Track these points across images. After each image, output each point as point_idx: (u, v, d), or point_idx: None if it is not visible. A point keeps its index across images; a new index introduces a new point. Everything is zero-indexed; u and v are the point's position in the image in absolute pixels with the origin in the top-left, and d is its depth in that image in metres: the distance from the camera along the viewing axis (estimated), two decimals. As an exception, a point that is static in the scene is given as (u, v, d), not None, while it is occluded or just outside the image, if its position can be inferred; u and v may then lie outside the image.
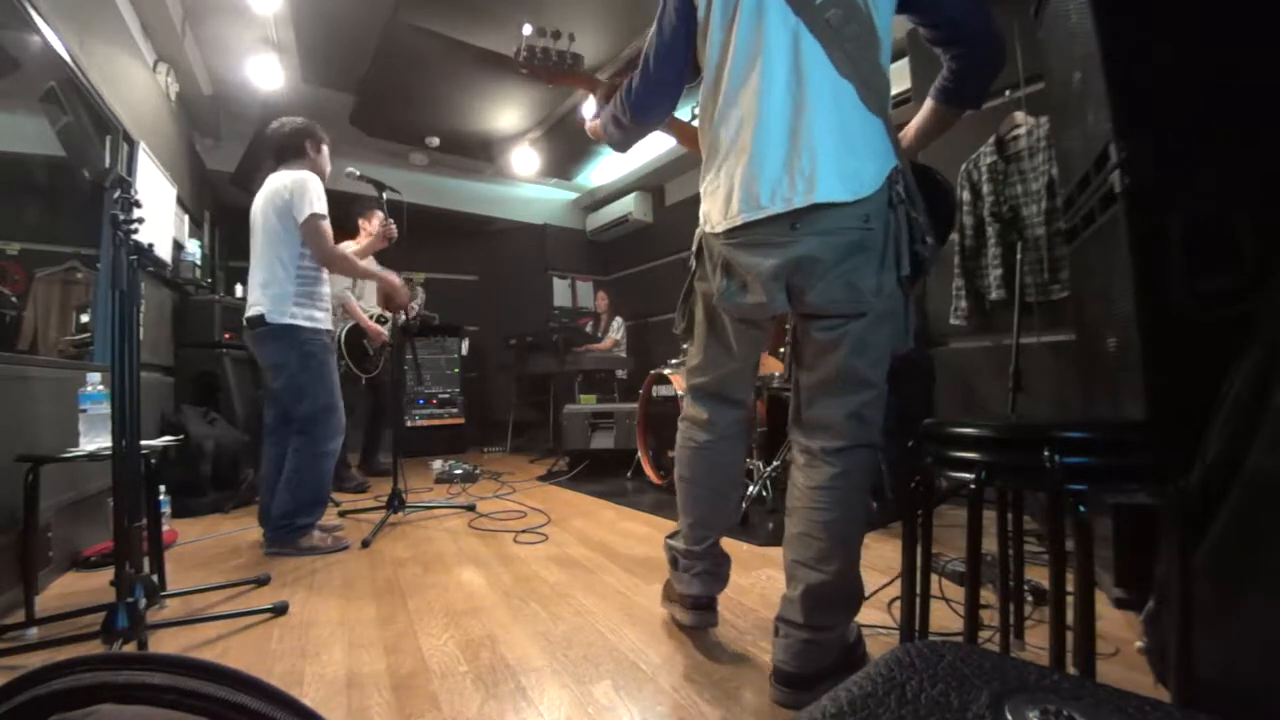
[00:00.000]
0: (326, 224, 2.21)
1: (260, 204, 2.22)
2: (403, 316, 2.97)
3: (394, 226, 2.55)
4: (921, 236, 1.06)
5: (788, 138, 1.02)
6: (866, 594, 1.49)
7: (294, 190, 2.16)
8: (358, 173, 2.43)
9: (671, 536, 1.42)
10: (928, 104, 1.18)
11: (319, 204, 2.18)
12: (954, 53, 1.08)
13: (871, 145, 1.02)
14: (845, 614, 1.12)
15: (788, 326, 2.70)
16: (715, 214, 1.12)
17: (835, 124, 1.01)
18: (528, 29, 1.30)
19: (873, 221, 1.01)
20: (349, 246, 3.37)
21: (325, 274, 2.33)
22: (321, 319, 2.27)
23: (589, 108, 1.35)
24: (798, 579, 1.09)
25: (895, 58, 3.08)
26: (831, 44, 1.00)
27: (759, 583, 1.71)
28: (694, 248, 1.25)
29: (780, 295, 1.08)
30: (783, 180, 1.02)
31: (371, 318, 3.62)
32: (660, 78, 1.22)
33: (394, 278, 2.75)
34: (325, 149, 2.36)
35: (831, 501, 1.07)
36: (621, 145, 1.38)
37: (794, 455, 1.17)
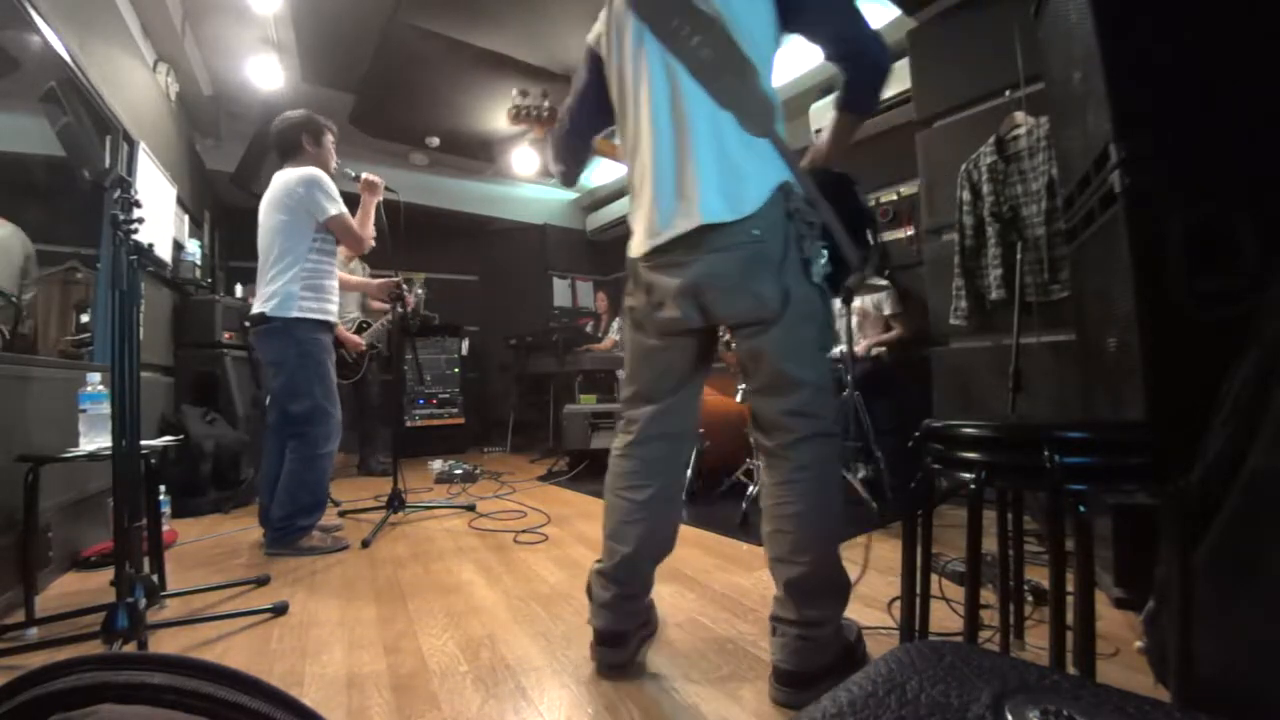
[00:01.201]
0: (348, 218, 2.25)
1: (268, 201, 2.23)
2: (399, 310, 2.97)
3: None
4: (816, 239, 1.12)
5: (675, 170, 1.14)
6: (868, 594, 1.50)
7: (308, 188, 2.17)
8: (353, 173, 2.43)
9: (596, 561, 1.31)
10: (831, 114, 1.26)
11: (338, 201, 2.22)
12: (842, 66, 1.16)
13: (755, 165, 1.10)
14: (832, 605, 1.11)
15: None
16: (635, 240, 1.23)
17: (714, 152, 1.10)
18: (515, 92, 1.50)
19: (764, 234, 1.08)
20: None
21: (334, 268, 2.34)
22: (332, 310, 2.29)
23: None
24: (779, 576, 1.13)
25: (895, 58, 3.08)
26: (708, 79, 1.10)
27: (759, 583, 1.71)
28: (627, 269, 1.31)
29: (692, 311, 1.16)
30: (675, 208, 1.13)
31: (352, 323, 3.64)
32: (574, 130, 1.40)
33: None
34: (327, 139, 2.35)
35: (795, 494, 1.11)
36: (566, 183, 1.54)
37: (759, 458, 1.21)
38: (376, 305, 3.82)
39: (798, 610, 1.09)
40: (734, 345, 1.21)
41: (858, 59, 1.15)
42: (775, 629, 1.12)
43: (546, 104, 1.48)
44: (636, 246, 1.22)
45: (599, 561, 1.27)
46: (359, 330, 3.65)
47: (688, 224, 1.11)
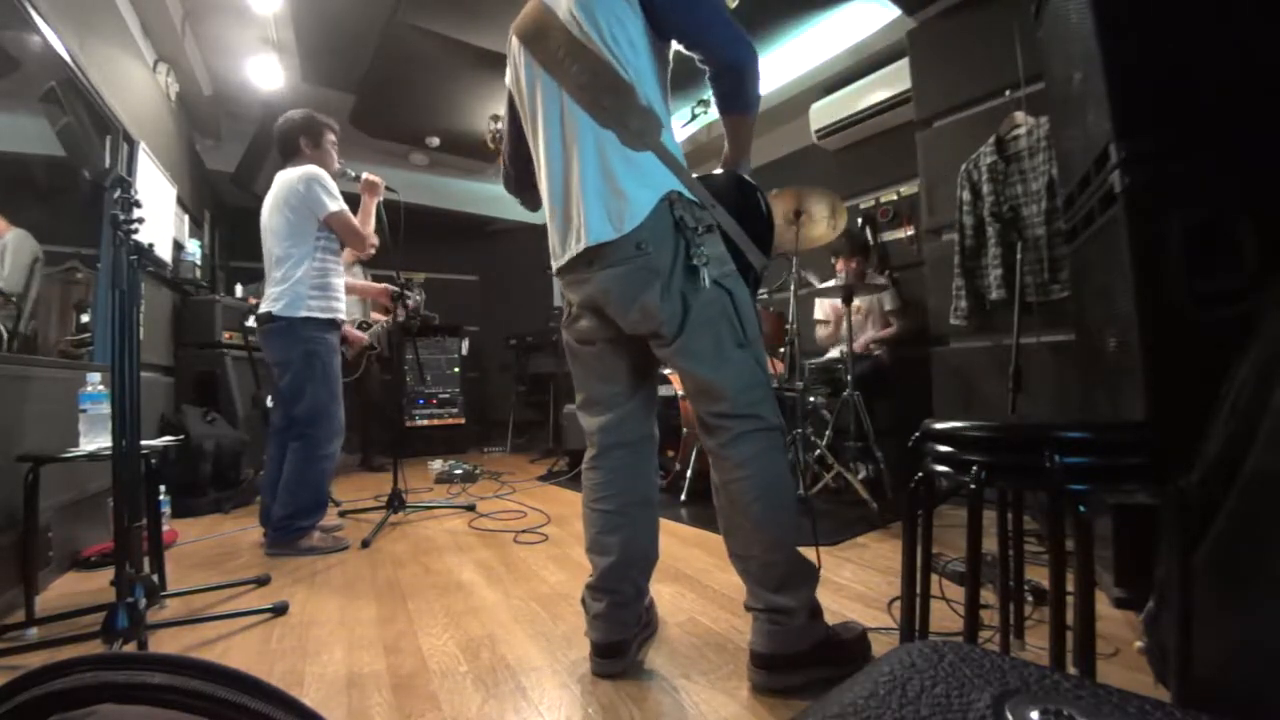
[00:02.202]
0: (349, 215, 2.25)
1: (271, 202, 2.23)
2: (400, 314, 2.98)
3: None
4: (711, 239, 1.14)
5: (564, 193, 1.19)
6: (868, 595, 1.50)
7: (307, 186, 2.17)
8: (354, 174, 2.43)
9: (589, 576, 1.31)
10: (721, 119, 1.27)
11: (337, 198, 2.22)
12: (706, 69, 1.17)
13: (638, 179, 1.12)
14: (796, 593, 1.12)
15: (787, 326, 2.72)
16: (551, 259, 1.29)
17: (597, 171, 1.14)
18: (489, 117, 1.63)
19: (649, 246, 1.11)
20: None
21: (341, 266, 2.35)
22: (339, 309, 2.29)
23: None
24: (740, 570, 1.18)
25: (895, 58, 3.09)
26: (587, 101, 1.14)
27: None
28: None
29: (597, 322, 1.22)
30: (569, 230, 1.19)
31: (352, 323, 3.64)
32: (511, 170, 1.49)
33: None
34: (328, 139, 2.35)
35: (739, 491, 1.14)
36: (529, 208, 1.57)
37: (709, 459, 1.21)
38: (377, 315, 3.84)
39: (763, 600, 1.13)
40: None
41: (720, 61, 1.15)
42: (754, 617, 1.16)
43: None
44: (552, 265, 1.29)
45: (590, 577, 1.27)
46: (360, 329, 3.65)
47: (578, 246, 1.16)
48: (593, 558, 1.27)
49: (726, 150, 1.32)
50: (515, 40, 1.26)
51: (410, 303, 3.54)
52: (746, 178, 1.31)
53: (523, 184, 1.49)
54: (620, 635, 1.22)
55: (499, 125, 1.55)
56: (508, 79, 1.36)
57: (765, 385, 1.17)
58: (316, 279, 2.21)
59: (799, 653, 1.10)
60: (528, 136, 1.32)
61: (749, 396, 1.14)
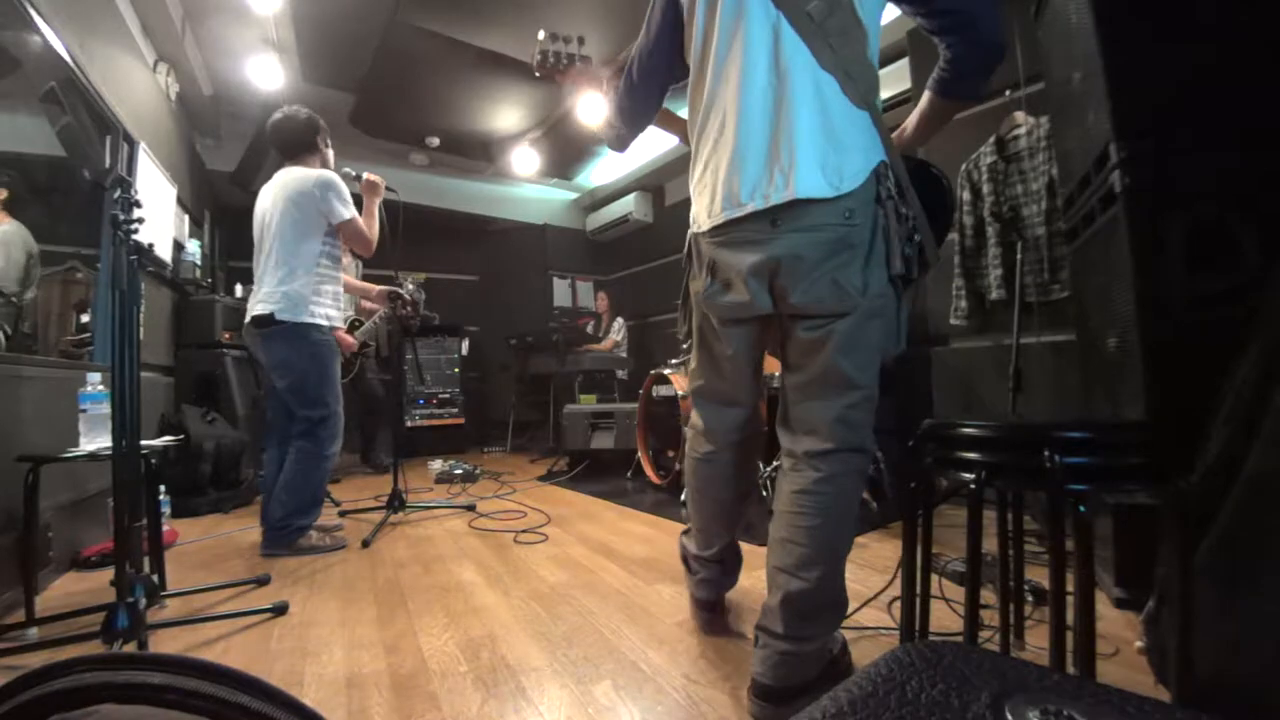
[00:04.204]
0: (360, 223, 2.26)
1: (277, 199, 2.18)
2: (407, 310, 2.99)
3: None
4: (911, 234, 1.03)
5: (769, 133, 1.01)
6: (868, 594, 1.50)
7: (324, 190, 2.17)
8: (354, 173, 2.43)
9: (685, 533, 1.48)
10: (926, 96, 1.12)
11: (350, 205, 2.23)
12: (950, 40, 1.02)
13: (856, 139, 0.99)
14: (826, 625, 1.07)
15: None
16: (701, 213, 1.12)
17: (817, 118, 0.99)
18: (542, 34, 1.33)
19: (857, 217, 0.98)
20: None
21: (341, 272, 2.35)
22: (335, 317, 2.30)
23: (590, 107, 1.41)
24: (778, 586, 1.05)
25: (895, 58, 3.08)
26: (813, 37, 0.98)
27: (759, 583, 1.70)
28: (685, 249, 1.24)
29: (763, 294, 1.06)
30: (763, 177, 1.01)
31: (346, 321, 3.64)
32: (643, 80, 1.25)
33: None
34: (329, 141, 2.37)
35: (815, 507, 1.03)
36: (617, 146, 1.40)
37: (781, 459, 1.14)
38: (367, 304, 3.82)
39: (788, 624, 1.03)
40: (786, 333, 1.10)
41: (965, 33, 0.99)
42: (759, 639, 1.07)
43: (582, 50, 1.35)
44: (703, 219, 1.11)
45: (692, 542, 1.41)
46: (351, 329, 3.65)
47: (780, 196, 0.99)
48: (703, 537, 1.37)
49: (908, 131, 1.17)
50: None
51: (410, 298, 3.56)
52: (932, 164, 1.18)
53: (641, 109, 1.28)
54: (718, 594, 1.41)
55: (556, 45, 1.32)
56: None
57: (874, 411, 1.07)
58: (320, 284, 2.21)
59: (807, 682, 1.02)
60: (696, 53, 1.12)
61: (867, 409, 1.05)
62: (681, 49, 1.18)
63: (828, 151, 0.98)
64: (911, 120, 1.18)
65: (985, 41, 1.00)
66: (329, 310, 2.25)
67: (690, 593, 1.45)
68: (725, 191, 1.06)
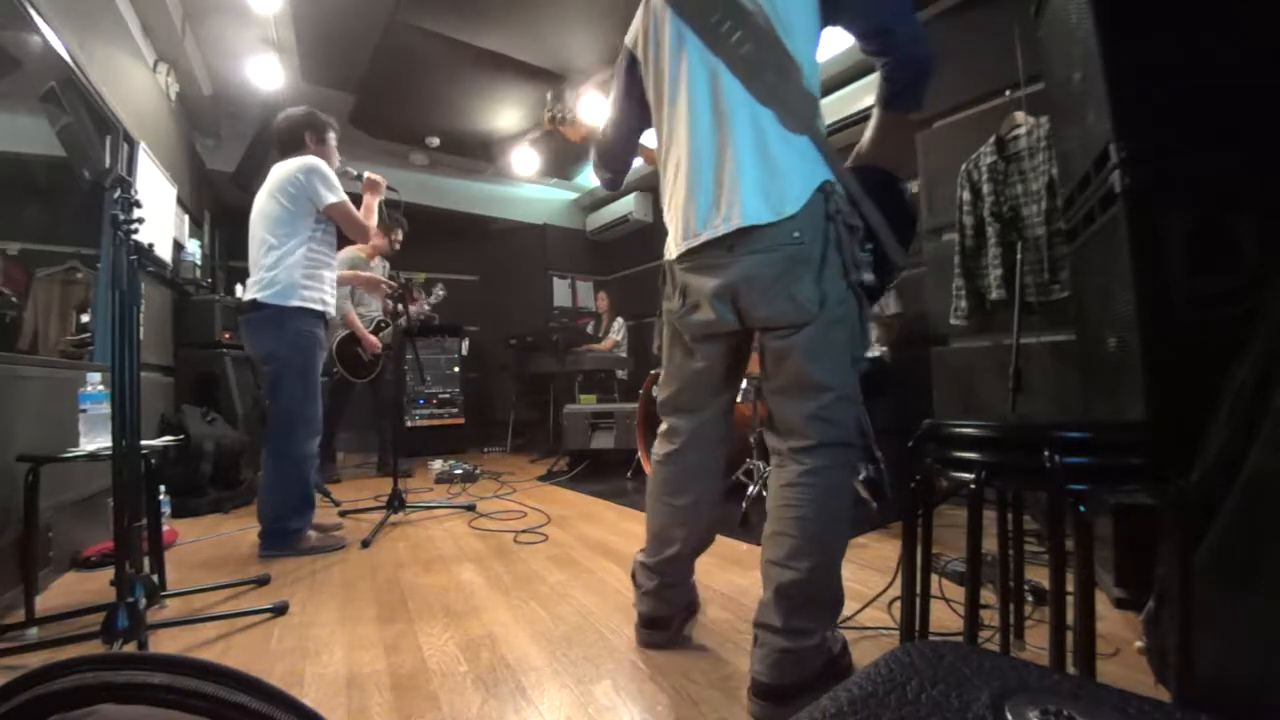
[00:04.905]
0: (350, 206, 2.24)
1: (265, 190, 2.21)
2: (425, 307, 3.03)
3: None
4: (863, 242, 1.10)
5: (714, 170, 1.12)
6: (868, 594, 1.50)
7: (307, 175, 2.16)
8: (355, 172, 2.43)
9: (640, 551, 1.40)
10: (875, 112, 1.23)
11: (337, 189, 2.21)
12: (884, 61, 1.13)
13: (795, 165, 1.07)
14: (821, 619, 1.09)
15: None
16: (671, 242, 1.23)
17: (755, 151, 1.08)
18: (549, 96, 1.63)
19: (805, 236, 1.06)
20: (349, 251, 3.42)
21: (334, 258, 2.34)
22: (330, 302, 2.28)
23: (590, 109, 1.57)
24: (770, 579, 1.09)
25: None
26: (749, 76, 1.08)
27: (758, 583, 1.71)
28: (661, 274, 1.32)
29: (727, 313, 1.15)
30: (713, 209, 1.11)
31: (372, 322, 3.63)
32: (617, 139, 1.43)
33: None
34: (330, 138, 2.34)
35: (802, 499, 1.08)
36: (609, 188, 1.58)
37: (771, 460, 1.19)
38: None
39: (784, 618, 1.05)
40: (761, 344, 1.19)
41: (894, 54, 1.11)
42: (757, 638, 1.09)
43: (577, 113, 1.56)
44: (672, 248, 1.22)
45: (643, 553, 1.36)
46: (377, 330, 3.65)
47: (727, 225, 1.09)
48: (657, 545, 1.33)
49: (865, 145, 1.26)
50: (658, 1, 1.20)
51: (416, 298, 3.62)
52: (891, 172, 1.26)
53: (621, 156, 1.45)
54: (666, 611, 1.33)
55: (560, 106, 1.51)
56: (632, 37, 1.30)
57: (858, 407, 1.15)
58: (309, 268, 2.19)
59: (807, 680, 1.03)
60: (654, 103, 1.26)
61: (846, 405, 1.11)
62: (645, 104, 1.31)
63: (767, 181, 1.07)
64: (867, 135, 1.26)
65: (913, 60, 1.12)
66: (323, 294, 2.24)
67: (636, 608, 1.36)
68: (684, 223, 1.17)
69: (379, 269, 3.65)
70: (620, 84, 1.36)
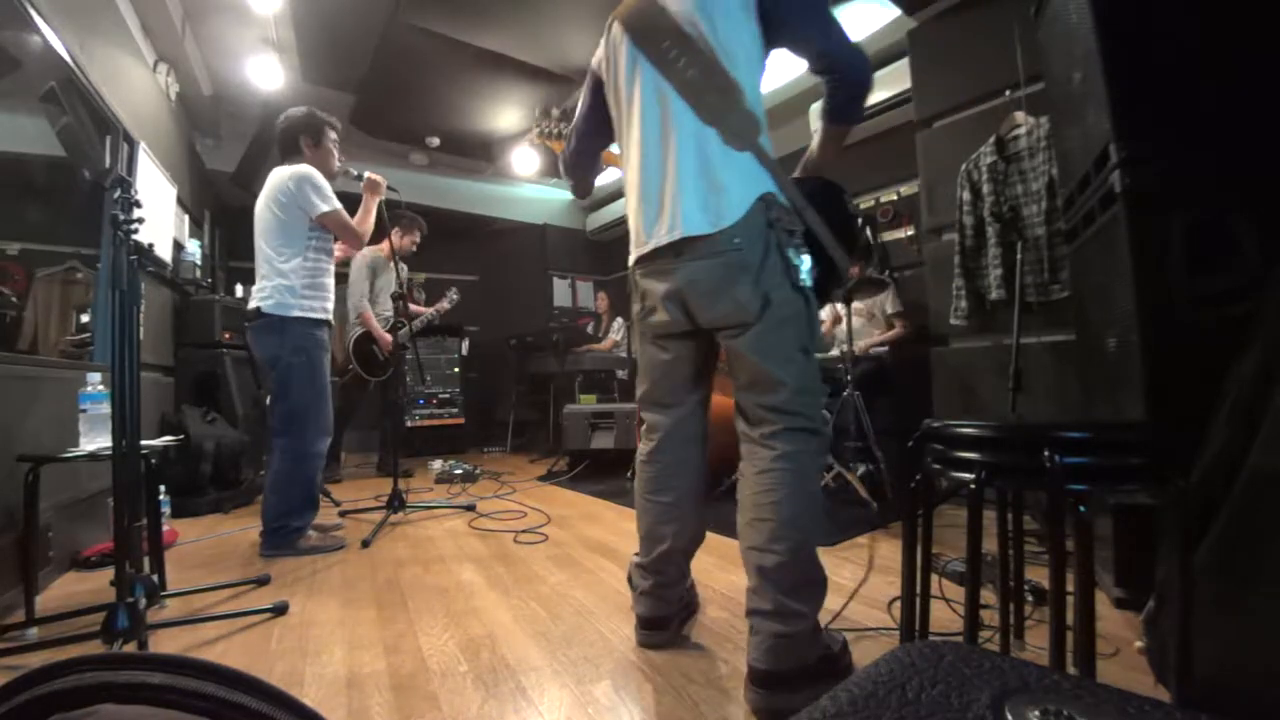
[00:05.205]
0: (343, 214, 2.25)
1: (263, 198, 2.23)
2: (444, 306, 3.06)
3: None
4: (800, 247, 1.17)
5: (660, 183, 1.21)
6: (868, 595, 1.50)
7: (298, 185, 2.17)
8: (355, 173, 2.43)
9: (635, 554, 1.42)
10: (820, 125, 1.31)
11: (329, 198, 2.22)
12: (827, 79, 1.21)
13: (735, 179, 1.15)
14: (810, 599, 1.10)
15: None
16: (631, 249, 1.31)
17: (697, 167, 1.17)
18: (537, 112, 1.70)
19: (744, 243, 1.13)
20: (369, 252, 3.47)
21: (331, 265, 2.34)
22: (329, 309, 2.29)
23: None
24: (752, 565, 1.13)
25: (895, 57, 3.08)
26: (694, 98, 1.17)
27: (759, 583, 1.71)
28: (628, 279, 1.40)
29: (679, 314, 1.24)
30: (659, 219, 1.21)
31: (385, 322, 3.63)
32: (575, 149, 1.54)
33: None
34: (328, 138, 2.33)
35: (774, 483, 1.13)
36: (576, 194, 1.68)
37: (742, 452, 1.24)
38: (416, 308, 3.89)
39: (774, 599, 1.07)
40: (721, 343, 1.27)
41: (837, 73, 1.19)
42: (752, 627, 1.10)
43: (563, 126, 1.66)
44: (632, 253, 1.31)
45: (637, 554, 1.39)
46: (393, 330, 3.65)
47: (671, 235, 1.18)
48: (648, 543, 1.36)
49: (813, 156, 1.37)
50: (617, 27, 1.29)
51: (447, 302, 3.69)
52: (834, 182, 1.36)
53: (583, 165, 1.56)
54: (664, 611, 1.34)
55: (551, 122, 1.63)
56: (596, 61, 1.40)
57: (819, 393, 1.22)
58: (308, 278, 2.21)
59: (804, 667, 1.05)
60: (615, 121, 1.36)
61: (804, 398, 1.17)
62: (608, 119, 1.40)
63: (708, 194, 1.15)
64: (814, 145, 1.36)
65: (853, 80, 1.21)
66: (322, 302, 2.26)
67: (634, 610, 1.38)
68: (637, 231, 1.27)
69: (392, 272, 3.68)
70: (585, 101, 1.47)
